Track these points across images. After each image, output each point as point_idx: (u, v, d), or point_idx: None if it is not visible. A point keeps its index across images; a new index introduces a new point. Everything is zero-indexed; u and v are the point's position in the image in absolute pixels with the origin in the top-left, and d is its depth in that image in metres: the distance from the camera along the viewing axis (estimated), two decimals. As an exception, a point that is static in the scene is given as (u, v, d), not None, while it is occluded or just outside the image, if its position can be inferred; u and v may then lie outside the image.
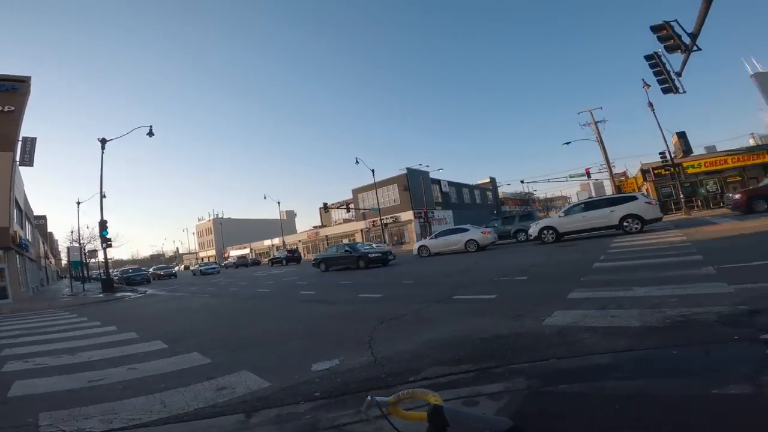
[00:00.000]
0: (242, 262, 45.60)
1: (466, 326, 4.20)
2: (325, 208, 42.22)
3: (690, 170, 28.85)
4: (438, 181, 48.71)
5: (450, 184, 51.77)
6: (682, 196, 25.99)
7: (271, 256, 42.43)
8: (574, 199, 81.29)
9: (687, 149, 32.38)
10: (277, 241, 61.81)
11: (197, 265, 49.16)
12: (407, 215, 43.10)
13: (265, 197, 51.89)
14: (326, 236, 53.38)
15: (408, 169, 43.91)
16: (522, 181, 56.53)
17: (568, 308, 4.26)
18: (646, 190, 31.34)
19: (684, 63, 9.56)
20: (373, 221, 44.45)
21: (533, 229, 15.90)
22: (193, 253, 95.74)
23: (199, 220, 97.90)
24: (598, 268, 7.03)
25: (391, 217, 44.09)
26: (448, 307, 5.52)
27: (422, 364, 3.13)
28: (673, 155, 26.59)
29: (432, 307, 5.65)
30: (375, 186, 40.29)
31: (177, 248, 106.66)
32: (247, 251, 66.52)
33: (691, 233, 11.02)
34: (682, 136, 33.17)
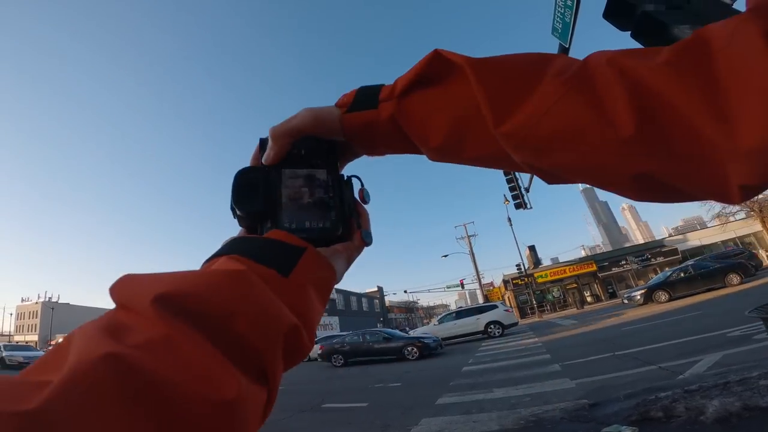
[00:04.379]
0: None
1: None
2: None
3: (540, 279, 33.85)
4: (326, 287, 47.95)
5: (337, 291, 51.16)
6: (534, 302, 29.90)
7: None
8: (453, 307, 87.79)
9: (537, 261, 38.74)
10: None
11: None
12: (291, 321, 40.32)
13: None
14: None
15: (294, 273, 42.56)
16: (406, 291, 65.48)
17: (435, 415, 4.24)
18: (508, 298, 35.39)
19: (531, 178, 10.50)
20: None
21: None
22: (6, 335, 76.08)
23: (23, 300, 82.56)
24: (466, 372, 7.11)
25: (272, 324, 40.73)
26: (314, 417, 5.19)
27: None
28: (526, 267, 31.15)
29: (296, 416, 5.19)
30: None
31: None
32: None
33: (541, 335, 12.32)
34: (532, 249, 39.97)
